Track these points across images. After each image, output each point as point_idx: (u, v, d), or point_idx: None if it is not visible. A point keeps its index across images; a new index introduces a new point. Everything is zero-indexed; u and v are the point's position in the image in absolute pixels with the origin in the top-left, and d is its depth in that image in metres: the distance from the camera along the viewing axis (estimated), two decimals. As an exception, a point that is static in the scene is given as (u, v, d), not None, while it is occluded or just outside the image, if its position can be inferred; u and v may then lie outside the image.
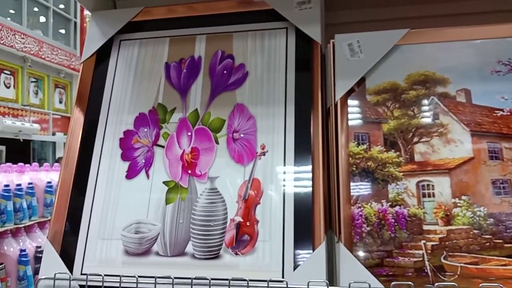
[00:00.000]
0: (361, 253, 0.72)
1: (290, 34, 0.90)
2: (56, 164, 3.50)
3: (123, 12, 1.00)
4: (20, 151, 7.69)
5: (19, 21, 8.14)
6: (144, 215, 0.82)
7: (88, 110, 0.93)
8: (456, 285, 0.66)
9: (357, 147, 0.78)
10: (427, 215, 0.73)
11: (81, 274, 0.79)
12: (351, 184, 0.76)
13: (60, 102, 9.50)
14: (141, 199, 0.83)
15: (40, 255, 2.65)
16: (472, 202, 0.72)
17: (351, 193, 0.75)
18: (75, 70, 9.35)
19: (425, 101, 0.79)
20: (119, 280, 0.73)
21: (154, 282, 0.72)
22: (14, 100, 8.05)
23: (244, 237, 0.77)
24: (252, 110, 0.86)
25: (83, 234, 0.83)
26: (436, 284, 0.68)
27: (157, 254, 0.79)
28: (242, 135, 0.84)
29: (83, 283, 0.75)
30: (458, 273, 0.69)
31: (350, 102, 0.81)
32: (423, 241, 0.71)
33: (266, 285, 0.69)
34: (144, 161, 0.86)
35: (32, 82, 8.57)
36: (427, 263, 0.70)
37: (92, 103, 0.94)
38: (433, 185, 0.74)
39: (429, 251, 0.71)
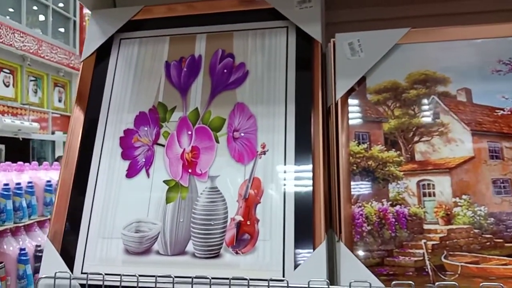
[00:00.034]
0: (361, 252, 0.72)
1: (291, 33, 0.90)
2: (55, 163, 3.50)
3: (123, 10, 1.00)
4: (20, 150, 7.68)
5: (18, 19, 8.13)
6: (144, 214, 0.82)
7: (88, 109, 0.93)
8: (457, 284, 0.66)
9: (358, 146, 0.78)
10: (427, 215, 0.73)
11: (82, 273, 0.79)
12: (352, 183, 0.76)
13: (60, 101, 9.49)
14: (141, 198, 0.83)
15: (40, 254, 2.65)
16: (472, 202, 0.72)
17: (352, 192, 0.75)
18: (75, 68, 9.34)
19: (426, 100, 0.79)
20: (119, 279, 0.73)
21: (154, 281, 0.72)
22: (13, 99, 8.04)
23: (244, 236, 0.77)
24: (253, 109, 0.86)
25: (83, 233, 0.82)
26: (437, 283, 0.68)
27: (158, 253, 0.79)
28: (242, 134, 0.84)
29: (84, 282, 0.75)
30: (459, 272, 0.69)
31: (350, 101, 0.81)
32: (423, 241, 0.71)
33: (267, 284, 0.69)
34: (144, 160, 0.86)
35: (31, 80, 8.56)
36: (427, 262, 0.70)
37: (92, 102, 0.93)
38: (433, 185, 0.74)
39: (429, 251, 0.71)
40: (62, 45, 9.29)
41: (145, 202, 0.83)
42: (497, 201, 0.71)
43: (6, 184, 2.58)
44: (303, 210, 0.76)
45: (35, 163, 3.18)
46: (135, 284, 0.72)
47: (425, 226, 0.72)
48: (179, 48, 0.94)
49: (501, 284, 0.65)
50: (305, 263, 0.72)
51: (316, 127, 0.81)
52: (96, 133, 0.90)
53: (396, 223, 0.73)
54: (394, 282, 0.67)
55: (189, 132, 0.86)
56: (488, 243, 0.70)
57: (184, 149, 0.85)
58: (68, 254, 0.81)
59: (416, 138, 0.77)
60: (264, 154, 0.82)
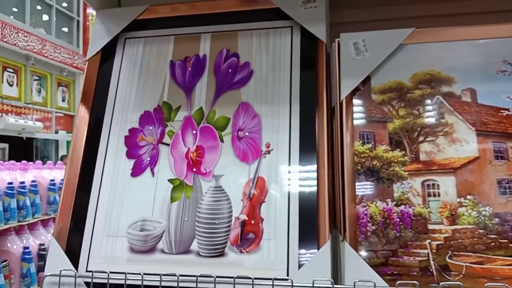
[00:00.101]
0: (366, 252, 0.72)
1: (295, 33, 0.90)
2: (59, 162, 3.51)
3: (128, 10, 1.00)
4: (23, 149, 7.71)
5: (22, 19, 8.15)
6: (149, 213, 0.82)
7: (93, 108, 0.93)
8: (461, 284, 0.66)
9: (362, 146, 0.78)
10: (432, 215, 0.73)
11: (87, 271, 0.79)
12: (356, 183, 0.76)
13: (63, 100, 9.51)
14: (146, 197, 0.83)
15: (43, 252, 2.66)
16: (477, 202, 0.72)
17: (356, 192, 0.75)
18: (78, 68, 9.36)
19: (431, 101, 0.79)
20: (124, 277, 0.73)
21: (159, 279, 0.72)
22: (17, 98, 8.06)
23: (249, 235, 0.77)
24: (257, 108, 0.86)
25: (88, 232, 0.83)
26: (441, 283, 0.68)
27: (162, 251, 0.79)
28: (247, 134, 0.84)
29: (89, 280, 0.75)
30: (463, 272, 0.69)
31: (355, 101, 0.81)
32: (428, 241, 0.71)
33: (271, 283, 0.69)
34: (149, 159, 0.87)
35: (35, 80, 8.59)
36: (432, 262, 0.70)
37: (97, 101, 0.94)
38: (438, 185, 0.74)
39: (434, 251, 0.71)
40: (66, 45, 9.31)
41: (150, 201, 0.83)
42: (502, 202, 0.71)
43: (10, 183, 2.59)
44: (308, 209, 0.76)
45: (39, 162, 3.20)
46: (139, 283, 0.73)
47: (430, 226, 0.72)
48: (183, 48, 0.95)
49: (506, 285, 0.65)
50: (309, 262, 0.73)
51: (320, 127, 0.81)
52: (101, 132, 0.90)
53: (401, 223, 0.73)
54: (398, 282, 0.67)
55: (194, 132, 0.87)
56: (492, 244, 0.70)
57: (189, 148, 0.86)
58: (73, 252, 0.81)
59: (421, 138, 0.77)
60: (269, 153, 0.82)
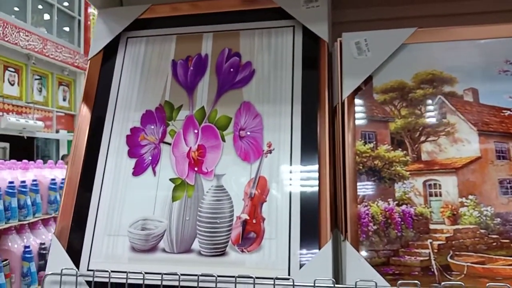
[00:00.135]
0: (367, 252, 0.72)
1: (297, 32, 0.90)
2: (60, 161, 3.52)
3: (130, 9, 1.00)
4: (24, 148, 7.72)
5: (23, 18, 8.16)
6: (150, 212, 0.82)
7: (95, 107, 0.93)
8: (463, 284, 0.66)
9: (364, 145, 0.78)
10: (433, 214, 0.73)
11: (88, 270, 0.79)
12: (358, 183, 0.76)
13: (64, 99, 9.52)
14: (147, 196, 0.83)
15: (44, 251, 2.67)
16: (479, 202, 0.72)
17: (358, 192, 0.75)
18: (79, 67, 9.37)
19: (432, 100, 0.79)
20: (125, 276, 0.73)
21: (160, 278, 0.72)
22: (18, 97, 8.07)
23: (250, 234, 0.77)
24: (259, 108, 0.86)
25: (89, 231, 0.83)
26: (443, 283, 0.68)
27: (164, 250, 0.79)
28: (248, 133, 0.84)
29: (90, 279, 0.75)
30: (465, 272, 0.69)
31: (357, 100, 0.81)
32: (429, 240, 0.71)
33: (273, 283, 0.69)
34: (151, 158, 0.87)
35: (36, 79, 8.59)
36: (433, 262, 0.70)
37: (99, 100, 0.94)
38: (440, 184, 0.74)
39: (435, 250, 0.71)
40: (67, 44, 9.32)
41: (151, 200, 0.83)
42: (504, 202, 0.71)
43: (11, 182, 2.59)
44: (309, 209, 0.76)
45: (40, 161, 3.20)
46: (141, 282, 0.73)
47: (431, 226, 0.72)
48: (185, 47, 0.95)
49: (508, 285, 0.65)
50: (310, 262, 0.72)
51: (322, 127, 0.81)
52: (103, 131, 0.90)
53: (402, 222, 0.73)
54: (400, 282, 0.67)
55: (196, 131, 0.87)
56: (494, 244, 0.70)
57: (190, 148, 0.86)
58: (74, 251, 0.81)
59: (422, 138, 0.77)
60: (270, 153, 0.82)
